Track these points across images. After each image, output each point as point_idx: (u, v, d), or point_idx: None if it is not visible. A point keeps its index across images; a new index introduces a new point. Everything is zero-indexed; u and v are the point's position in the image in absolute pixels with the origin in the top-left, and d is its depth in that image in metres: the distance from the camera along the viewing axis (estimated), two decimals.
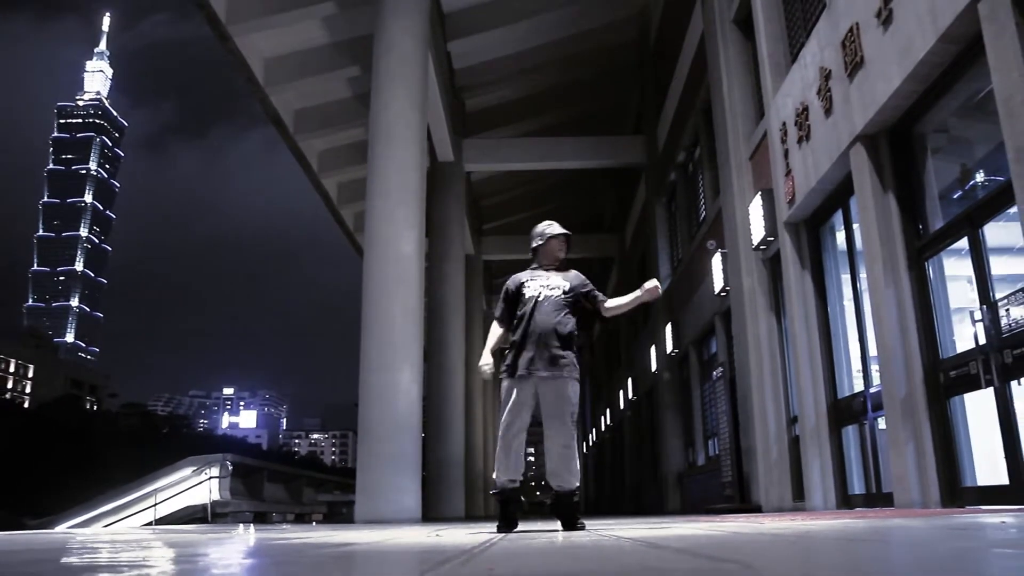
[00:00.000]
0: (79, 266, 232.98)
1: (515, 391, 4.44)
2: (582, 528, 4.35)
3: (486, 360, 4.61)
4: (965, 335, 5.80)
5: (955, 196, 6.35)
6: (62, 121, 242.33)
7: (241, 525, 10.24)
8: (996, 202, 5.33)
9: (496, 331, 4.69)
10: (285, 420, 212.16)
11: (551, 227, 4.77)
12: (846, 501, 7.76)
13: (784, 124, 8.50)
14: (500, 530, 4.34)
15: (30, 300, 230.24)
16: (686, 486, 15.80)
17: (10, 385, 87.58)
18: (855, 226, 7.37)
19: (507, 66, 18.64)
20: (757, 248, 9.68)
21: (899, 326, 6.31)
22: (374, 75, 11.53)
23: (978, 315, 5.42)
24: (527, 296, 4.55)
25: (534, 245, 4.77)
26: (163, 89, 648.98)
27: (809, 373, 8.23)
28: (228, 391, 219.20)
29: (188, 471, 13.98)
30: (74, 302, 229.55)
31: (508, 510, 4.46)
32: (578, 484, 4.50)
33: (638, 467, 22.24)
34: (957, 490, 5.85)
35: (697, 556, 2.21)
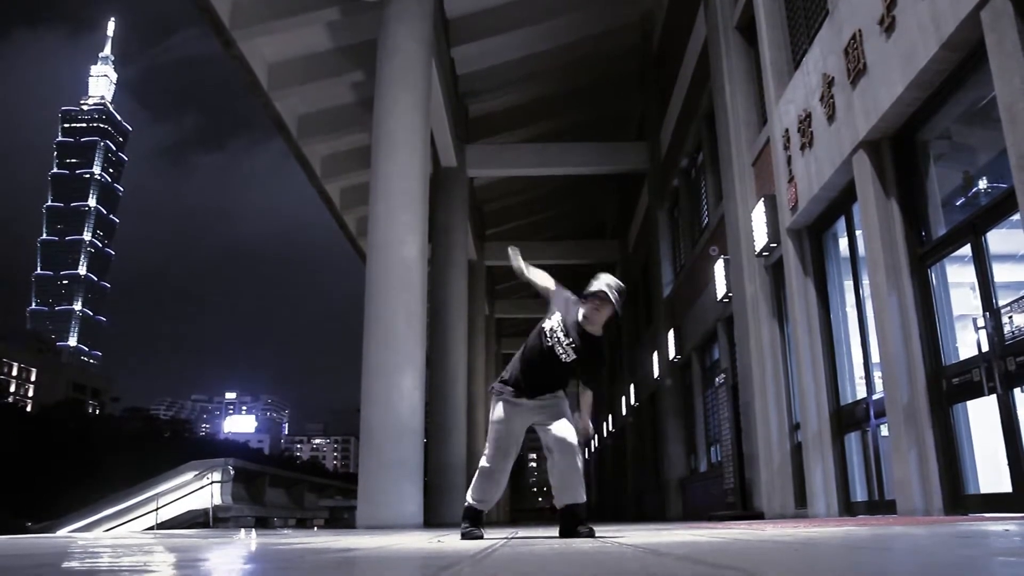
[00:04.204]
0: (82, 270, 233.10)
1: (507, 420, 4.34)
2: (589, 535, 4.21)
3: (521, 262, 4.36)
4: (968, 342, 5.79)
5: (958, 203, 6.34)
6: (66, 125, 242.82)
7: (242, 530, 10.23)
8: (999, 209, 5.34)
9: (545, 279, 4.42)
10: (287, 425, 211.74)
11: (592, 284, 4.22)
12: (848, 508, 7.75)
13: (787, 130, 8.51)
14: (466, 534, 4.31)
15: (33, 304, 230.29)
16: (688, 492, 15.77)
17: (13, 389, 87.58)
18: (858, 233, 7.37)
19: (510, 72, 18.67)
20: (760, 254, 9.68)
21: (902, 333, 6.31)
22: (378, 80, 11.56)
23: (981, 322, 5.41)
24: (547, 339, 4.28)
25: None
26: (185, 103, 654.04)
27: (812, 379, 8.22)
28: (230, 395, 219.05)
29: (190, 476, 13.95)
30: (77, 306, 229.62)
31: (472, 521, 4.42)
32: (582, 500, 4.29)
33: (640, 473, 22.19)
34: (960, 497, 5.84)
35: (699, 563, 2.21)
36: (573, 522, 4.29)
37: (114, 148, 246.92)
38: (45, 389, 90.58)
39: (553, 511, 4.52)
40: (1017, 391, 5.18)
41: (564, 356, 4.23)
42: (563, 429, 4.29)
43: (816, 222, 8.36)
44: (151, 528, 12.79)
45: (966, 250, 5.75)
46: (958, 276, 6.10)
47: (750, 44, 10.67)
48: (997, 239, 5.50)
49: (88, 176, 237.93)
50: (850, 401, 7.86)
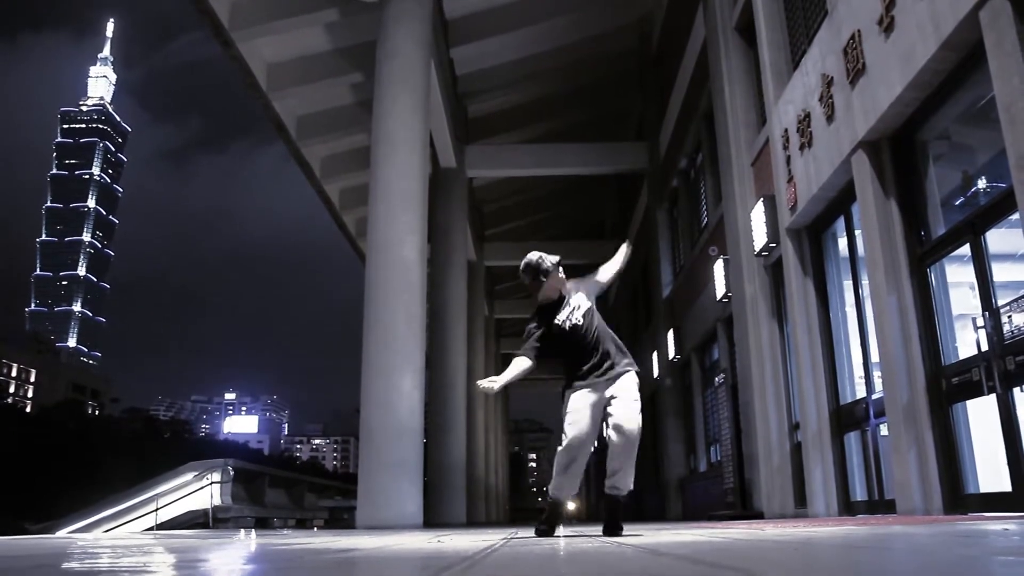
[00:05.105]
0: (82, 271, 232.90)
1: (581, 401, 4.45)
2: (618, 533, 4.40)
3: (494, 380, 4.38)
4: (967, 342, 5.79)
5: (957, 203, 6.35)
6: (65, 126, 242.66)
7: (242, 530, 10.23)
8: (998, 208, 5.34)
9: (521, 364, 4.42)
10: (287, 425, 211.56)
11: (522, 273, 4.46)
12: (848, 508, 7.75)
13: (786, 131, 8.51)
14: (541, 533, 4.40)
15: (32, 304, 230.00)
16: (688, 492, 15.77)
17: (12, 390, 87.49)
18: (857, 232, 7.37)
19: (509, 72, 18.68)
20: (759, 254, 9.68)
21: (901, 333, 6.31)
22: (376, 81, 11.56)
23: (980, 322, 5.41)
24: (567, 329, 4.39)
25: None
26: (187, 106, 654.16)
27: (811, 379, 8.22)
28: (230, 396, 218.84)
29: (189, 476, 13.96)
30: (76, 307, 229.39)
31: (553, 515, 4.53)
32: (627, 489, 4.74)
33: (640, 473, 22.08)
34: (959, 497, 5.84)
35: (698, 563, 2.21)
36: (613, 517, 4.59)
37: (113, 149, 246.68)
38: (44, 390, 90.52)
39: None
40: (1017, 391, 5.18)
41: (577, 318, 4.43)
42: (627, 412, 4.56)
43: (815, 222, 8.37)
44: (151, 529, 12.79)
45: (965, 250, 5.75)
46: (957, 276, 6.10)
47: (749, 45, 10.67)
48: (996, 239, 5.51)
49: (87, 177, 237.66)
50: (850, 401, 7.86)
